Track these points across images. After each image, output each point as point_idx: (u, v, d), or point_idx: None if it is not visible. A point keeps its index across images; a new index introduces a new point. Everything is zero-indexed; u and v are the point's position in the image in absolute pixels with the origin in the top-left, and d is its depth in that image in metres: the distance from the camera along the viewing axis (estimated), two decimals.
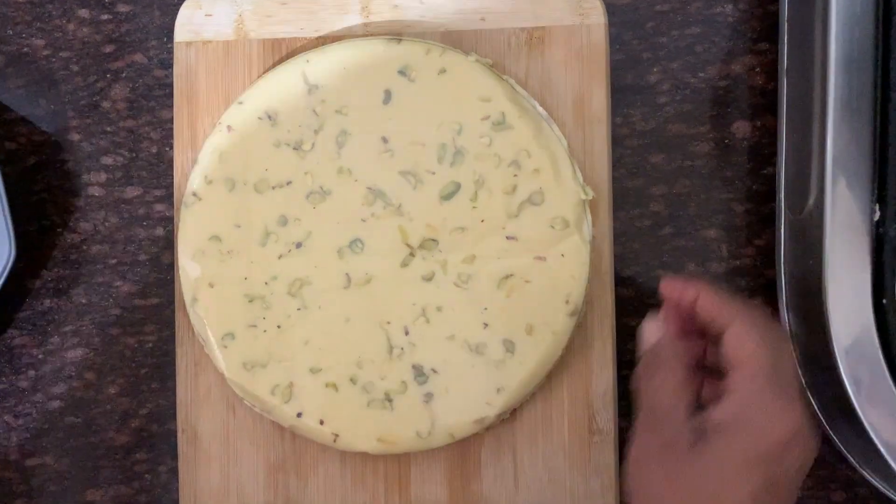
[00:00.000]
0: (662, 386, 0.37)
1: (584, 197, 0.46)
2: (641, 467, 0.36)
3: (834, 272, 0.43)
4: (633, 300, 0.50)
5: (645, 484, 0.36)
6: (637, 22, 0.51)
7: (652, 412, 0.37)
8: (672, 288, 0.40)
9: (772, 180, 0.49)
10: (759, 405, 0.35)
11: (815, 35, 0.45)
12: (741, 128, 0.51)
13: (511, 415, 0.47)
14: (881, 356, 0.42)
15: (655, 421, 0.37)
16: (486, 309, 0.46)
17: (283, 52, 0.49)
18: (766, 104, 0.50)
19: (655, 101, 0.51)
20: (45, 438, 0.52)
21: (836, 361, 0.43)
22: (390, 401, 0.46)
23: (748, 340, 0.37)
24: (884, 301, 0.42)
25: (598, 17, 0.48)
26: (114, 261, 0.52)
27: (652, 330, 0.40)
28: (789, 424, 0.35)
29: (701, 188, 0.50)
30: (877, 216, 0.43)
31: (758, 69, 0.50)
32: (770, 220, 0.49)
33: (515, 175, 0.46)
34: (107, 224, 0.52)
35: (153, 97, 0.52)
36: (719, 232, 0.50)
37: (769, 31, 0.50)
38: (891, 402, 0.42)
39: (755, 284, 0.50)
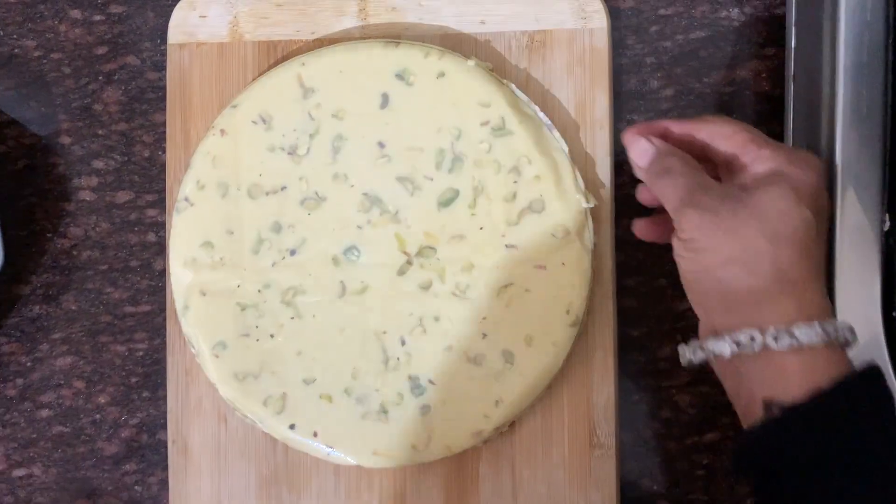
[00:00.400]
0: (685, 167, 0.39)
1: (585, 205, 0.45)
2: (698, 232, 0.37)
3: (843, 285, 0.42)
4: (635, 310, 0.49)
5: (704, 243, 0.37)
6: (640, 26, 0.50)
7: (688, 194, 0.38)
8: (637, 132, 0.41)
9: None
10: (788, 154, 0.38)
11: (823, 40, 0.44)
12: None
13: (510, 427, 0.46)
14: (891, 371, 0.41)
15: (697, 194, 0.37)
16: (484, 319, 0.45)
17: (278, 54, 0.48)
18: (772, 110, 0.49)
19: (659, 106, 0.50)
20: (32, 448, 0.51)
21: None
22: (386, 413, 0.45)
23: (736, 126, 0.39)
24: (894, 314, 0.41)
25: (600, 21, 0.47)
26: (105, 267, 0.51)
27: (642, 146, 0.41)
28: (819, 165, 0.38)
29: None
30: (887, 227, 0.42)
31: (764, 75, 0.49)
32: None
33: (515, 182, 0.45)
34: (98, 229, 0.51)
35: (146, 100, 0.51)
36: None
37: (776, 35, 0.49)
38: None
39: None
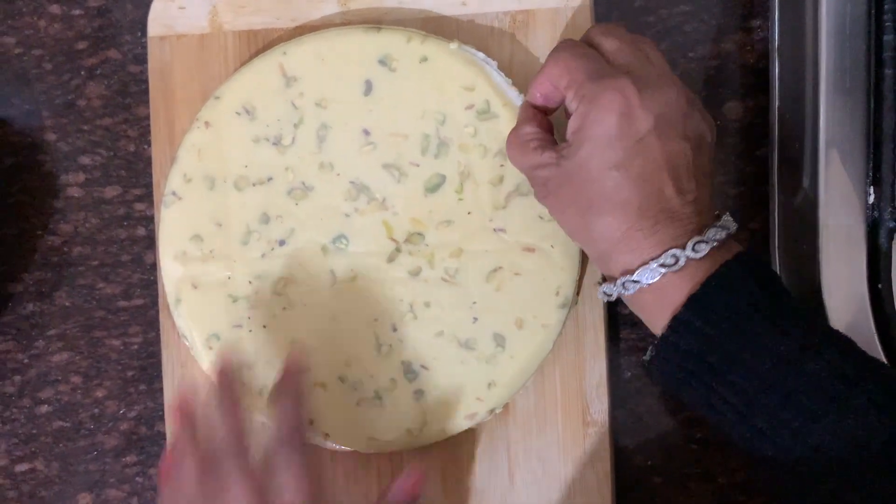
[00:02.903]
0: (518, 153, 0.41)
1: None
2: (549, 212, 0.41)
3: (828, 258, 0.42)
4: None
5: (557, 222, 0.41)
6: (624, 1, 0.49)
7: (529, 183, 0.41)
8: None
9: (765, 162, 0.48)
10: (591, 97, 0.38)
11: (805, 10, 0.44)
12: (733, 108, 0.49)
13: (504, 409, 0.47)
14: (878, 342, 0.42)
15: (534, 182, 0.41)
16: (475, 303, 0.45)
17: (259, 43, 0.48)
18: (758, 83, 0.48)
19: None
20: (34, 443, 0.52)
21: None
22: (380, 399, 0.46)
23: (561, 69, 0.39)
24: (879, 286, 0.41)
25: None
26: (95, 262, 0.51)
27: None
28: (624, 86, 0.37)
29: None
30: (871, 199, 0.42)
31: (749, 47, 0.49)
32: (764, 203, 0.48)
33: (502, 165, 0.45)
34: (87, 225, 0.51)
35: (129, 94, 0.51)
36: None
37: (760, 6, 0.48)
38: None
39: None
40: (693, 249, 0.37)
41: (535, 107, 0.41)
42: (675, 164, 0.38)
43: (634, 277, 0.37)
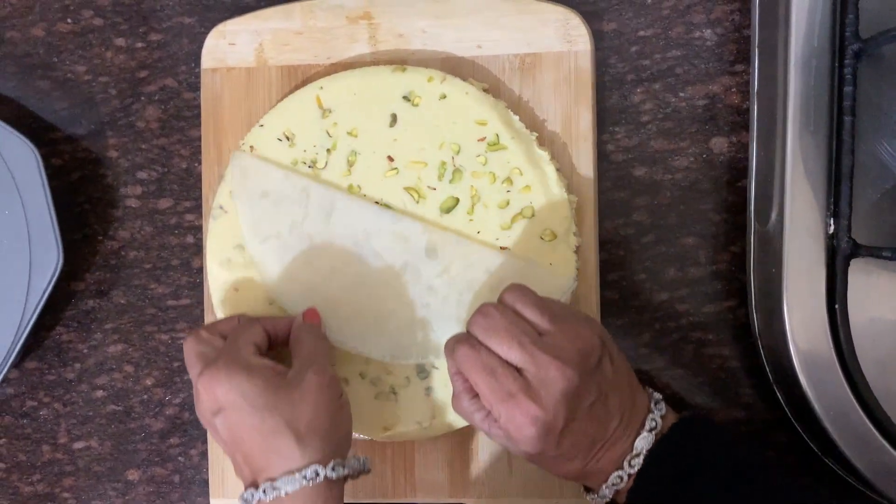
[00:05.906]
0: (461, 413, 0.45)
1: (572, 206, 0.50)
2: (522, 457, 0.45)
3: (791, 281, 0.46)
4: (617, 302, 0.54)
5: (527, 461, 0.45)
6: (622, 46, 0.54)
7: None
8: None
9: (745, 192, 0.52)
10: (505, 419, 0.42)
11: (778, 61, 0.48)
12: (718, 144, 0.54)
13: None
14: (834, 357, 0.46)
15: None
16: None
17: (298, 78, 0.54)
18: (741, 122, 0.53)
19: (639, 119, 0.54)
20: (90, 424, 0.57)
21: (793, 363, 0.46)
22: (395, 394, 0.51)
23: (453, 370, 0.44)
24: (836, 307, 0.46)
25: (584, 44, 0.52)
26: (149, 265, 0.57)
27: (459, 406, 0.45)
28: (527, 419, 0.41)
29: (681, 199, 0.54)
30: (831, 230, 0.46)
31: (734, 89, 0.54)
32: (744, 229, 0.52)
33: (508, 191, 0.50)
34: (142, 232, 0.57)
35: (183, 117, 0.57)
36: (697, 239, 0.54)
37: (745, 53, 0.53)
38: (846, 401, 0.46)
39: (730, 288, 0.54)
40: (630, 465, 0.43)
41: None
42: (597, 415, 0.43)
43: (601, 495, 0.44)
